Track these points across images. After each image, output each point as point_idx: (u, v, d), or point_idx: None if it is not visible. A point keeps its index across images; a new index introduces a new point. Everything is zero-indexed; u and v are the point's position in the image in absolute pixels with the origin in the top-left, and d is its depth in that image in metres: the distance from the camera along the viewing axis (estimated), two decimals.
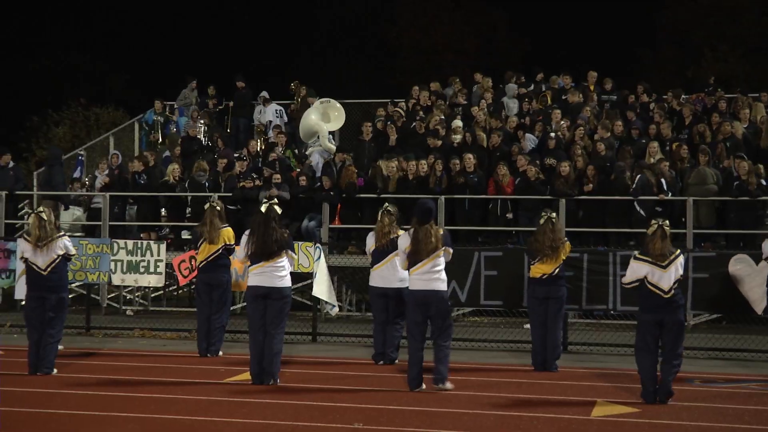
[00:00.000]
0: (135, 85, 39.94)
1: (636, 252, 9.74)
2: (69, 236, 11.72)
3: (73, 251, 11.21)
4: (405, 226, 11.71)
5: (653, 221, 9.70)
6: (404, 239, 10.16)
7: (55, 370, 10.91)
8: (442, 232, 10.01)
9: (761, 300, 12.44)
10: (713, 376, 9.93)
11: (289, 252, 10.42)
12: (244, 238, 10.52)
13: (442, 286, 9.97)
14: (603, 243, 16.21)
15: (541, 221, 11.53)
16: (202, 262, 12.59)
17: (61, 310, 10.91)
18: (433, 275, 9.90)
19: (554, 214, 11.72)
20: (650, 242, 9.49)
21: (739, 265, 12.49)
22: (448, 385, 9.93)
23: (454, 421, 8.59)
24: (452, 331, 10.16)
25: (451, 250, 10.12)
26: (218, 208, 12.69)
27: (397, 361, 11.78)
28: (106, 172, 19.17)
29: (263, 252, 10.27)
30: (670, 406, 9.34)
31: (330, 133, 20.26)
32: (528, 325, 14.71)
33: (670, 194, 16.17)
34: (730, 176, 16.27)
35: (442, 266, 9.99)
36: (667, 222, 9.67)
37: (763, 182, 15.89)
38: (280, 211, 10.56)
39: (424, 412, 8.92)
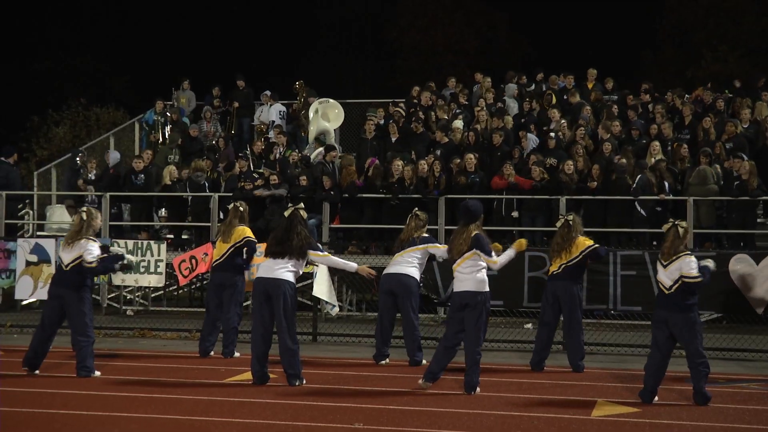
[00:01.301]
0: (136, 85, 39.98)
1: None
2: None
3: (91, 256, 10.67)
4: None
5: (670, 219, 9.90)
6: None
7: (98, 373, 10.81)
8: (473, 235, 9.96)
9: (762, 300, 12.45)
10: (713, 376, 9.91)
11: (299, 260, 10.36)
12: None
13: (471, 286, 9.86)
14: (604, 243, 16.20)
15: (559, 223, 11.68)
16: (215, 261, 12.50)
17: (72, 309, 10.62)
18: (467, 274, 9.90)
19: (571, 216, 11.74)
20: (664, 242, 9.68)
21: (739, 265, 12.51)
22: (478, 390, 9.90)
23: (454, 420, 8.59)
24: (482, 335, 9.94)
25: (486, 256, 9.93)
26: (241, 209, 12.51)
27: (423, 362, 11.54)
28: (95, 171, 19.12)
29: (276, 250, 10.31)
30: (671, 406, 9.35)
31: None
32: (528, 325, 14.82)
33: (671, 195, 16.19)
34: (730, 176, 16.27)
35: (477, 267, 9.91)
36: (684, 223, 9.74)
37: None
38: (306, 215, 10.60)
39: (425, 412, 8.92)
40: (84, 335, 10.70)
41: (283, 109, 21.90)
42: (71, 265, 10.69)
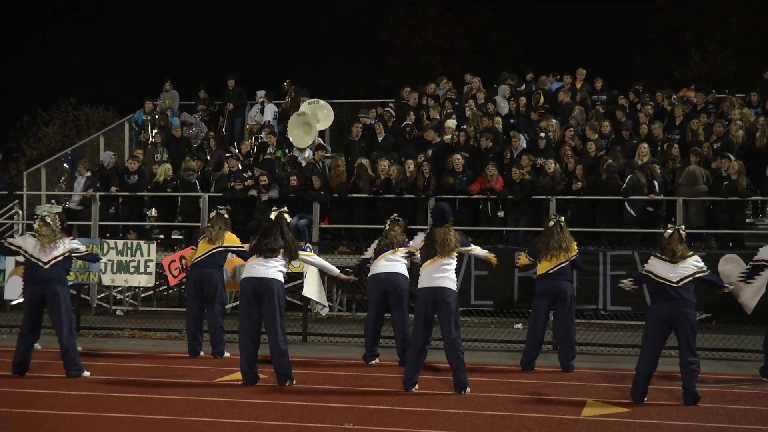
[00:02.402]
0: (129, 86, 39.88)
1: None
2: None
3: (81, 248, 11.08)
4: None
5: (670, 225, 10.14)
6: (419, 237, 10.58)
7: (87, 373, 10.79)
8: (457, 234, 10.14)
9: (751, 300, 12.46)
10: (703, 376, 9.94)
11: (286, 259, 10.41)
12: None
13: (450, 284, 9.93)
14: (593, 243, 16.24)
15: (550, 224, 11.69)
16: (196, 258, 12.51)
17: (60, 306, 10.57)
18: (443, 273, 9.94)
19: (562, 218, 11.80)
20: (668, 245, 9.79)
21: (728, 265, 12.51)
22: (469, 390, 9.91)
23: (445, 421, 8.60)
24: (460, 333, 9.97)
25: (470, 246, 10.56)
26: (226, 215, 12.62)
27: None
28: (88, 173, 19.01)
29: (261, 249, 10.33)
30: (660, 406, 9.38)
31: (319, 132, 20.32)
32: (518, 325, 14.82)
33: (662, 195, 16.22)
34: (719, 176, 16.32)
35: (453, 266, 10.03)
36: (683, 227, 10.01)
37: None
38: (290, 219, 10.68)
39: (415, 412, 8.92)
40: (70, 333, 10.69)
41: (277, 109, 21.86)
42: (52, 261, 10.65)
